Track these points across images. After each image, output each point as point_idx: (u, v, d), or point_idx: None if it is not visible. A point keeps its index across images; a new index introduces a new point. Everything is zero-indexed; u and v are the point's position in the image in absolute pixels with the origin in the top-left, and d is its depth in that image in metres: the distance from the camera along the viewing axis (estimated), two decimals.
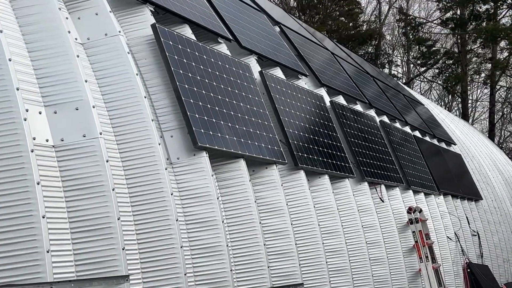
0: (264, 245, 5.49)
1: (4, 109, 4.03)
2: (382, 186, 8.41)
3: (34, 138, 4.14)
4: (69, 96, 4.43)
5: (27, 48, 4.48)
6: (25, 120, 4.04)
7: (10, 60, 4.12)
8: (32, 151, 4.00)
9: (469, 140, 16.71)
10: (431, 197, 10.42)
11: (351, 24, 31.67)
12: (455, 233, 10.68)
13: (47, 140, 4.29)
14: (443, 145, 13.57)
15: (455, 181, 12.32)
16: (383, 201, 8.25)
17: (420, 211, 8.79)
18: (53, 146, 4.31)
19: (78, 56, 4.54)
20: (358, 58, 15.19)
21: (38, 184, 3.95)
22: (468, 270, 10.57)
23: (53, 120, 4.37)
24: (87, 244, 4.17)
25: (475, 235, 11.98)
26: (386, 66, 33.98)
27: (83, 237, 4.18)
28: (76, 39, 4.91)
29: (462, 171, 13.43)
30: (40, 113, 4.34)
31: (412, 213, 8.65)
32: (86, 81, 4.51)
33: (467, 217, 11.88)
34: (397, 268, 8.01)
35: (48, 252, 3.85)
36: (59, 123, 4.37)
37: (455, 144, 14.52)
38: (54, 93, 4.43)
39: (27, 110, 4.16)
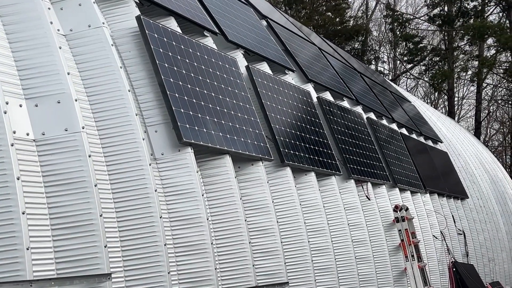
0: (249, 243, 5.41)
1: None
2: (369, 183, 8.36)
3: (14, 132, 4.02)
4: (51, 89, 4.31)
5: (8, 39, 4.35)
6: (5, 113, 3.92)
7: None
8: (12, 145, 3.88)
9: (455, 138, 16.74)
10: (417, 195, 10.40)
11: (337, 19, 31.62)
12: (441, 232, 10.68)
13: (27, 134, 4.17)
14: (430, 142, 13.56)
15: (442, 179, 12.31)
16: (369, 199, 8.20)
17: (406, 209, 8.75)
18: (33, 140, 4.19)
19: (60, 48, 4.42)
20: (345, 53, 15.14)
21: (18, 179, 3.83)
22: (454, 269, 10.58)
23: (34, 114, 4.25)
24: (68, 242, 4.06)
25: (461, 234, 11.99)
26: (373, 62, 34.01)
27: (64, 234, 4.07)
28: (58, 30, 4.79)
29: (449, 169, 13.44)
30: (20, 106, 4.22)
31: (398, 211, 8.61)
32: (68, 74, 4.39)
33: (453, 216, 11.88)
34: (382, 266, 7.97)
35: (28, 249, 3.74)
36: (40, 117, 4.25)
37: (441, 142, 14.53)
38: (35, 86, 4.31)
39: (7, 103, 4.04)
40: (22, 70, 4.32)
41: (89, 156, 4.23)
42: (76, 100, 4.35)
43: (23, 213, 3.78)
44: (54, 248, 4.03)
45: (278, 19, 10.37)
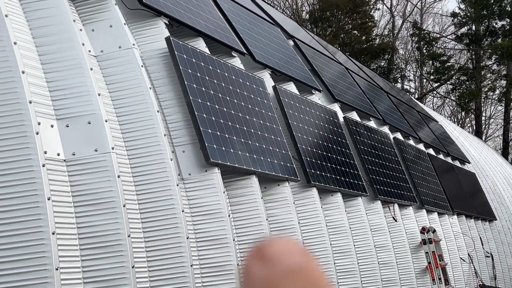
0: None
1: (16, 122, 3.97)
2: (395, 205, 8.29)
3: (45, 152, 4.07)
4: (82, 110, 4.37)
5: (40, 60, 4.43)
6: (37, 133, 3.98)
7: (23, 72, 4.07)
8: (43, 166, 3.93)
9: (483, 159, 16.53)
10: (444, 217, 10.27)
11: (363, 37, 31.60)
12: (468, 254, 10.51)
13: (58, 154, 4.22)
14: (457, 163, 13.41)
15: (469, 200, 12.15)
16: (396, 221, 8.13)
17: (434, 231, 8.65)
18: (64, 160, 4.24)
19: (91, 69, 4.49)
20: (371, 72, 15.10)
21: (48, 199, 3.88)
22: None
23: (65, 134, 4.31)
24: (96, 262, 4.09)
25: (489, 257, 11.79)
26: (399, 81, 33.85)
27: (92, 254, 4.10)
28: (89, 51, 4.86)
29: (476, 190, 13.26)
30: (52, 126, 4.28)
31: (426, 233, 8.51)
32: (99, 95, 4.45)
33: (480, 238, 11.70)
34: None
35: (57, 269, 3.77)
36: (71, 137, 4.31)
37: (469, 163, 14.36)
38: (67, 106, 4.37)
39: (39, 123, 4.10)
40: (54, 91, 4.39)
41: (118, 177, 4.27)
42: (106, 121, 4.40)
43: (53, 233, 3.82)
44: (83, 268, 4.06)
45: (304, 37, 10.40)
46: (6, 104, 3.97)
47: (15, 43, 4.09)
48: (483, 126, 34.34)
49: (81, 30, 4.86)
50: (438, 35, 33.07)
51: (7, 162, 3.87)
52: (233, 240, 4.98)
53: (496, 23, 29.51)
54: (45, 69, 4.43)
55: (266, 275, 0.83)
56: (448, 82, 32.48)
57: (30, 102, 4.02)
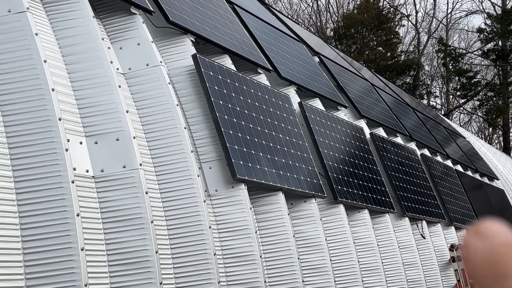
0: (303, 281, 5.34)
1: (46, 139, 4.01)
2: (424, 222, 8.18)
3: (74, 169, 4.11)
4: (110, 127, 4.41)
5: (70, 78, 4.49)
6: (66, 150, 4.02)
7: (53, 90, 4.12)
8: (72, 182, 3.96)
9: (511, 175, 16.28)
10: None
11: (389, 54, 31.49)
12: None
13: (87, 171, 4.26)
14: (486, 179, 13.23)
15: (498, 217, 11.94)
16: (424, 238, 8.02)
17: None
18: (93, 177, 4.28)
19: (120, 87, 4.53)
20: (396, 88, 15.03)
21: (77, 215, 3.90)
22: None
23: (94, 151, 4.35)
24: (124, 278, 4.09)
25: None
26: (425, 97, 33.61)
27: (120, 271, 4.10)
28: (117, 69, 4.92)
29: (505, 206, 13.05)
30: (81, 143, 4.32)
31: (455, 251, 8.38)
32: (127, 112, 4.48)
33: None
34: None
35: (86, 286, 3.78)
36: (100, 154, 4.34)
37: (497, 179, 14.16)
38: (95, 124, 4.41)
39: (68, 140, 4.14)
40: (83, 108, 4.44)
41: (146, 193, 4.29)
42: (134, 138, 4.43)
43: (82, 249, 3.83)
44: (111, 284, 4.06)
45: (329, 54, 10.40)
46: (36, 121, 4.02)
47: (45, 61, 4.15)
48: (511, 142, 33.85)
49: (109, 48, 4.92)
50: (464, 51, 32.83)
51: (37, 179, 3.91)
52: (260, 256, 4.95)
53: None
54: (74, 87, 4.48)
55: (485, 246, 0.94)
56: (474, 98, 32.17)
57: (60, 120, 4.06)
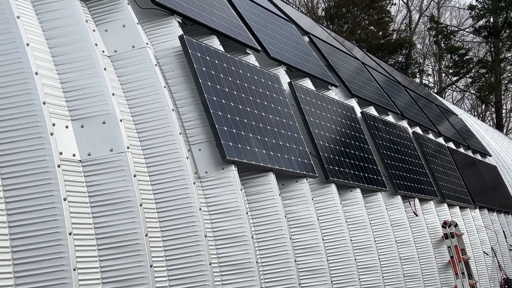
0: (295, 261, 5.34)
1: (31, 124, 3.96)
2: (416, 199, 8.19)
3: (60, 153, 4.07)
4: (96, 110, 4.36)
5: (54, 61, 4.43)
6: (51, 134, 3.97)
7: (36, 73, 4.07)
8: (58, 166, 3.92)
9: (504, 151, 16.32)
10: (466, 211, 10.14)
11: (380, 33, 31.38)
12: (491, 248, 10.37)
13: (74, 155, 4.21)
14: (478, 156, 13.25)
15: (491, 193, 11.99)
16: (417, 215, 8.03)
17: (456, 225, 8.53)
18: (80, 160, 4.24)
19: (105, 69, 4.48)
20: (388, 67, 14.98)
21: (65, 200, 3.87)
22: (506, 286, 10.25)
23: (80, 134, 4.30)
24: (114, 262, 4.07)
25: None
26: (417, 76, 33.58)
27: (110, 254, 4.08)
28: (103, 51, 4.85)
29: (498, 183, 13.09)
30: (66, 127, 4.28)
31: (447, 228, 8.40)
32: (113, 95, 4.43)
33: (503, 231, 11.54)
34: (432, 284, 7.76)
35: (74, 270, 3.76)
36: (86, 137, 4.30)
37: (490, 156, 14.18)
38: (81, 107, 4.36)
39: (53, 125, 4.10)
40: (68, 91, 4.38)
41: (134, 176, 4.25)
42: (121, 121, 4.38)
43: (70, 234, 3.81)
44: (101, 268, 4.04)
45: (320, 34, 10.33)
46: (20, 105, 3.97)
47: (27, 45, 4.09)
48: (504, 119, 33.95)
49: (94, 30, 4.86)
50: (456, 29, 32.76)
51: (23, 164, 3.87)
52: (252, 237, 4.94)
53: None
54: (58, 70, 4.43)
55: None
56: (467, 76, 32.17)
57: (44, 103, 4.01)
